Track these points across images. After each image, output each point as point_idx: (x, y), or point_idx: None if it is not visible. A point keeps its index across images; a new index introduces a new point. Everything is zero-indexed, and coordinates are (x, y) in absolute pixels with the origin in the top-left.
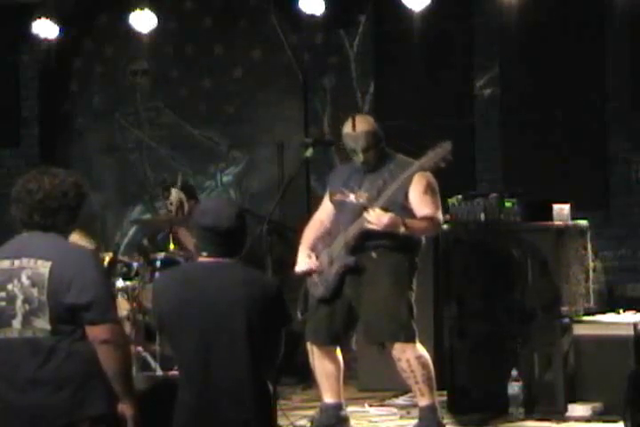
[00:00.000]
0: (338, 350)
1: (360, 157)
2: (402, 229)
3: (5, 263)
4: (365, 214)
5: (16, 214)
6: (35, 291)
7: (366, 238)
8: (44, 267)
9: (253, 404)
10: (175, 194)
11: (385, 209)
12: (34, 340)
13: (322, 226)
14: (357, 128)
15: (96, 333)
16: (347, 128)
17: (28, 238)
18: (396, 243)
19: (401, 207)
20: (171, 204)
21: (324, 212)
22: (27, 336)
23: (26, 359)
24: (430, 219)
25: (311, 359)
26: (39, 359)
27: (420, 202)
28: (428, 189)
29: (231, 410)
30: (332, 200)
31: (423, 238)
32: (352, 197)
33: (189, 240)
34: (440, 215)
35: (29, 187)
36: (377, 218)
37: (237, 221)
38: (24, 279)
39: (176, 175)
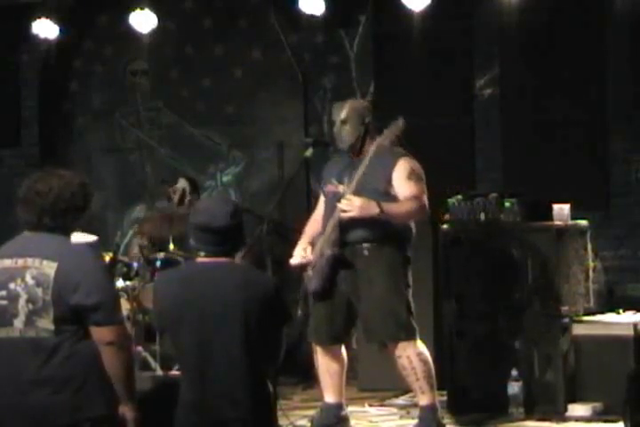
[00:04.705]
0: (342, 349)
1: (337, 128)
2: (377, 211)
3: (7, 262)
4: (338, 204)
5: (22, 216)
6: (39, 291)
7: (352, 231)
8: (49, 267)
9: (251, 404)
10: (181, 182)
11: (357, 194)
12: (36, 340)
13: (319, 223)
14: (346, 101)
15: (101, 334)
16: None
17: (32, 238)
18: (386, 236)
19: (384, 193)
20: (174, 192)
21: (321, 209)
22: (29, 336)
23: (27, 359)
24: (411, 200)
25: (315, 358)
26: (41, 359)
27: (402, 185)
28: (412, 175)
29: (229, 410)
30: (324, 193)
31: (414, 229)
32: (340, 189)
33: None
34: (424, 199)
35: (38, 188)
36: (349, 204)
37: (232, 220)
38: (28, 279)
39: (176, 176)
